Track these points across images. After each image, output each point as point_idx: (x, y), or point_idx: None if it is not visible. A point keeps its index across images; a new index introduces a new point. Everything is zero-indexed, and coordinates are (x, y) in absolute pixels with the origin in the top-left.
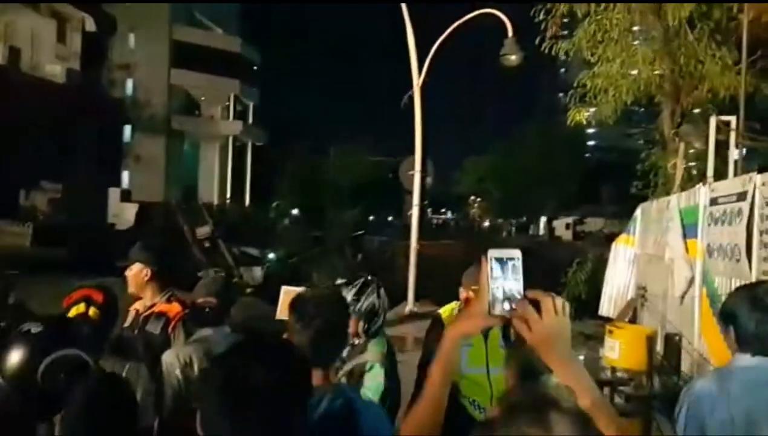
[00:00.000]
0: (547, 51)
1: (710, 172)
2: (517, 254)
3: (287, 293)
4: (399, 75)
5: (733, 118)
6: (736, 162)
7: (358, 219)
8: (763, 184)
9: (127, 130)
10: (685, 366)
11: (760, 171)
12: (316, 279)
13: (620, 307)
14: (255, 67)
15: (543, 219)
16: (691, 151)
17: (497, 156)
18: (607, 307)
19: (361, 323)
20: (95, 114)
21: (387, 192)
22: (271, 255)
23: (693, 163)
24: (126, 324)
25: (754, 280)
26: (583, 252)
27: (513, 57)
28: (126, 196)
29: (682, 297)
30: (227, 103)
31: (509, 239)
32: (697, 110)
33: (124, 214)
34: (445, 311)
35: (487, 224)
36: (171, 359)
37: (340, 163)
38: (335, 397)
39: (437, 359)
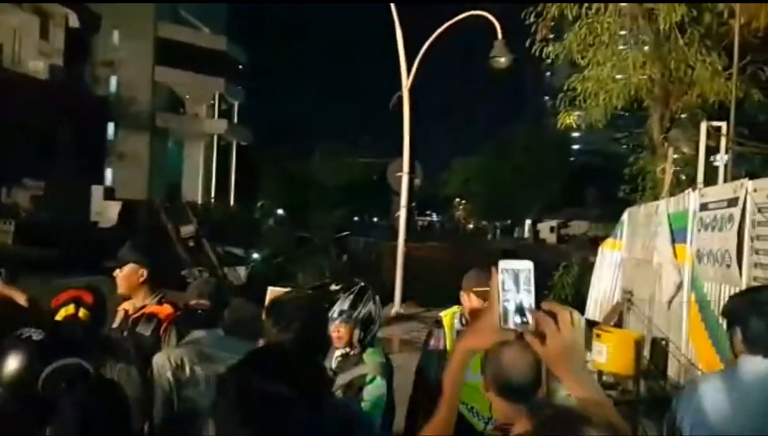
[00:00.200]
0: (534, 54)
1: (700, 177)
2: (528, 265)
3: (273, 293)
4: (389, 76)
5: (723, 124)
6: (726, 167)
7: (343, 220)
8: (755, 190)
9: (111, 127)
10: (671, 371)
11: (749, 177)
12: (301, 279)
13: (606, 311)
14: (240, 66)
15: (528, 222)
16: (678, 156)
17: (483, 158)
18: (593, 310)
19: (357, 332)
20: (78, 111)
21: (373, 193)
22: (256, 255)
23: (680, 168)
24: (114, 325)
25: (744, 286)
26: (568, 255)
27: (502, 59)
28: (109, 194)
29: (670, 302)
30: (212, 102)
31: (494, 242)
32: (684, 115)
33: (107, 213)
34: (446, 315)
35: (471, 226)
36: (162, 361)
37: (327, 163)
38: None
39: (447, 375)
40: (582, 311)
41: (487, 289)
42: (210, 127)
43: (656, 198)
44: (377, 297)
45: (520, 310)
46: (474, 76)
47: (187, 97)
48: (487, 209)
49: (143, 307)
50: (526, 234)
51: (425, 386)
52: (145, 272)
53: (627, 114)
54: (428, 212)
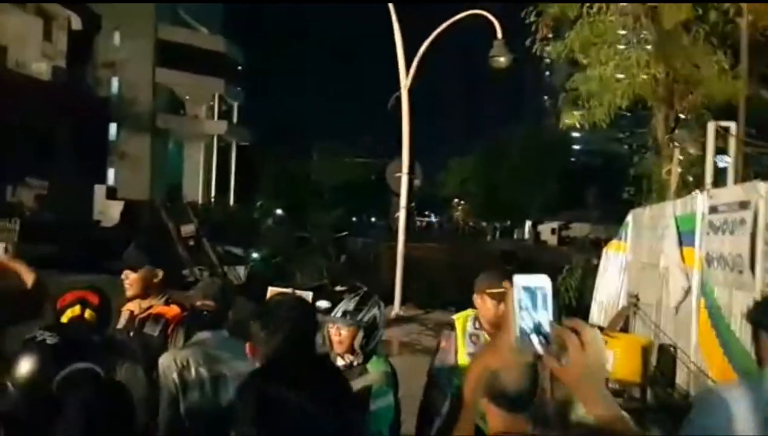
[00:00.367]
0: (533, 53)
1: (708, 179)
2: (546, 281)
3: (273, 293)
4: (389, 75)
5: (732, 124)
6: (736, 169)
7: (342, 220)
8: None
9: (113, 128)
10: (680, 379)
11: (756, 178)
12: (299, 279)
13: (611, 315)
14: (240, 67)
15: (528, 223)
16: (684, 157)
17: (482, 158)
18: (597, 315)
19: (359, 337)
20: (81, 112)
21: (372, 193)
22: (255, 254)
23: (683, 169)
24: (120, 326)
25: (757, 291)
26: (569, 257)
27: (502, 59)
28: (111, 193)
29: (678, 307)
30: (212, 103)
31: (493, 243)
32: (689, 115)
33: (109, 212)
34: (459, 318)
35: (470, 226)
36: (168, 362)
37: (326, 163)
38: None
39: (465, 393)
40: (586, 316)
41: (502, 290)
42: (210, 128)
43: (661, 200)
44: (382, 303)
45: (538, 328)
46: (472, 75)
47: (187, 98)
48: (486, 210)
49: (149, 307)
50: (527, 235)
51: (435, 389)
52: (160, 274)
53: (628, 114)
54: (427, 213)
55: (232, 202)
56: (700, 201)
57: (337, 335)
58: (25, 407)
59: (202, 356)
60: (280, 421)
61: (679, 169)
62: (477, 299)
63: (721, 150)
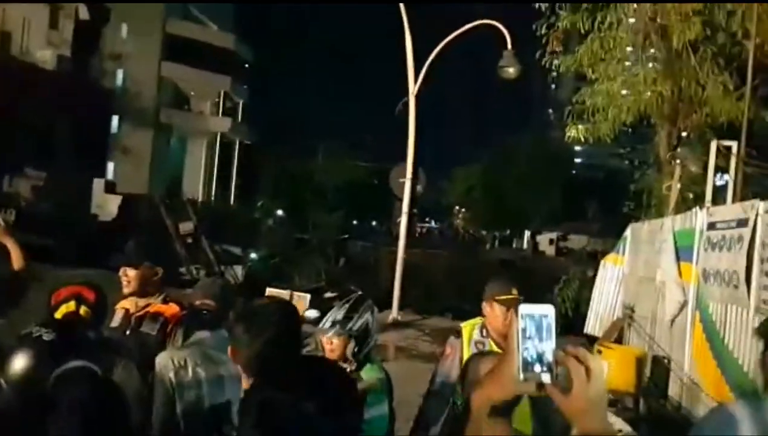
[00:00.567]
0: (541, 66)
1: (708, 196)
2: (550, 309)
3: (270, 295)
4: (394, 79)
5: (734, 144)
6: (735, 188)
7: (342, 223)
8: (766, 211)
9: (115, 120)
10: (672, 391)
11: (756, 198)
12: (297, 281)
13: (607, 326)
14: (247, 65)
15: (527, 233)
16: (683, 174)
17: (485, 167)
18: (593, 325)
19: (351, 345)
20: (83, 103)
21: (373, 197)
22: (253, 254)
23: (683, 186)
24: (114, 324)
25: (752, 308)
26: (566, 268)
27: (511, 69)
28: (110, 187)
29: (673, 320)
30: (217, 100)
31: (492, 251)
32: (692, 134)
33: (107, 206)
34: (466, 326)
35: (471, 234)
36: (165, 362)
37: (328, 165)
38: None
39: (470, 426)
40: (582, 326)
41: (511, 297)
42: (214, 125)
43: (660, 215)
44: (375, 308)
45: (541, 358)
46: (477, 85)
47: (193, 94)
48: (487, 219)
49: (147, 306)
50: (525, 245)
51: (436, 396)
52: (159, 272)
53: (630, 130)
54: (427, 219)
55: (232, 200)
56: (699, 217)
57: (329, 343)
58: (20, 404)
59: (200, 356)
60: (284, 431)
61: (679, 186)
62: (486, 306)
63: (721, 169)
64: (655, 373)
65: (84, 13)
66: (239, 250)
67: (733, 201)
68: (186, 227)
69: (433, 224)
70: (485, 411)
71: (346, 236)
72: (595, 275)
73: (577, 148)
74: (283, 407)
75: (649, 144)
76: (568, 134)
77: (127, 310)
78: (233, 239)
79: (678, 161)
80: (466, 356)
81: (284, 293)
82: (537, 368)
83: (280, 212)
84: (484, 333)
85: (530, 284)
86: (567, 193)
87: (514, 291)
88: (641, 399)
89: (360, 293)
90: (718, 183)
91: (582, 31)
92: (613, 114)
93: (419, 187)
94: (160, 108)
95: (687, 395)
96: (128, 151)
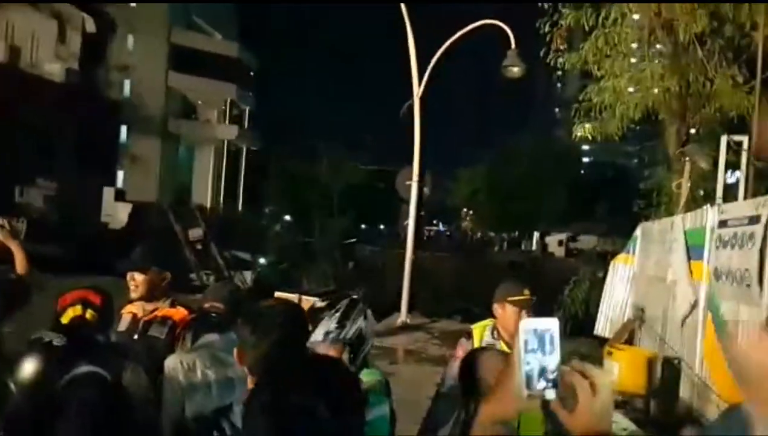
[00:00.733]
0: (546, 64)
1: (719, 193)
2: (554, 324)
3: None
4: (396, 79)
5: (745, 139)
6: (746, 184)
7: (350, 227)
8: None
9: (124, 130)
10: (684, 392)
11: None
12: (305, 285)
13: (617, 327)
14: (252, 73)
15: (536, 234)
16: (693, 172)
17: (491, 168)
18: (603, 326)
19: (346, 353)
20: (92, 114)
21: (380, 201)
22: (262, 260)
23: (693, 184)
24: (122, 328)
25: (764, 307)
26: (576, 269)
27: (515, 69)
28: (120, 196)
29: (684, 321)
30: (223, 108)
31: (501, 253)
32: (702, 129)
33: (117, 214)
34: (477, 327)
35: (479, 236)
36: (174, 364)
37: (335, 170)
38: None
39: None
40: (592, 327)
41: (523, 297)
42: (221, 133)
43: (671, 214)
44: (368, 311)
45: (545, 374)
46: (481, 85)
47: (200, 102)
48: (495, 220)
49: (154, 310)
50: (534, 247)
51: (445, 398)
52: (168, 277)
53: (638, 128)
54: (435, 222)
55: (240, 207)
56: (710, 215)
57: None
58: (30, 408)
59: (209, 359)
60: (288, 431)
61: (690, 184)
62: (497, 308)
63: (732, 164)
64: (665, 374)
65: (91, 26)
66: (248, 255)
67: (745, 197)
68: (195, 233)
69: (441, 226)
70: (490, 428)
71: (354, 240)
72: (605, 276)
73: (585, 147)
74: (286, 406)
75: (657, 141)
76: (575, 133)
77: (134, 314)
78: (242, 244)
79: (687, 158)
80: None
81: (292, 297)
82: (541, 384)
83: (287, 217)
84: (495, 335)
85: (540, 286)
86: (575, 193)
87: (526, 292)
88: (652, 401)
89: (353, 296)
90: (729, 180)
91: (586, 27)
92: (620, 111)
93: (426, 190)
94: (167, 117)
95: (698, 397)
96: (137, 160)
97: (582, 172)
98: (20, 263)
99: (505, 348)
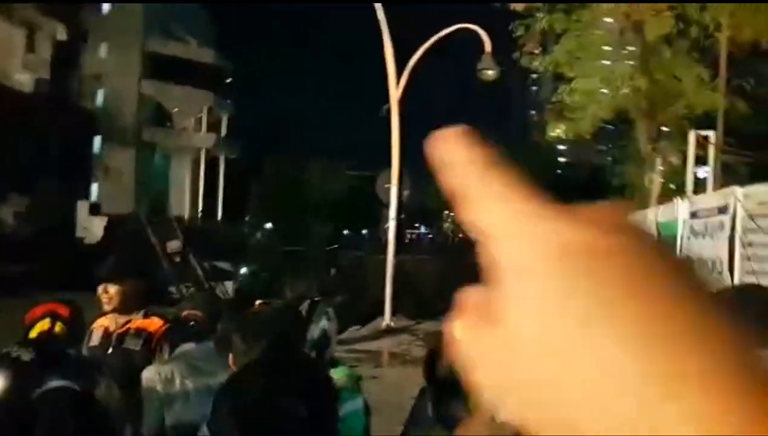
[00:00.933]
0: (520, 67)
1: (690, 185)
2: None
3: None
4: (378, 82)
5: (712, 133)
6: (714, 175)
7: (332, 233)
8: (745, 197)
9: (97, 141)
10: None
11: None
12: (288, 294)
13: None
14: (229, 80)
15: None
16: (664, 167)
17: None
18: None
19: (312, 355)
20: (65, 124)
21: (362, 206)
22: (243, 269)
23: (664, 179)
24: (93, 343)
25: None
26: None
27: (490, 72)
28: (95, 209)
29: None
30: (200, 115)
31: None
32: (670, 126)
33: (92, 228)
34: None
35: (460, 238)
36: (151, 376)
37: (315, 176)
38: None
39: None
40: None
41: None
42: (198, 141)
43: (644, 207)
44: (331, 310)
45: None
46: (458, 87)
47: (176, 110)
48: None
49: (127, 322)
50: None
51: (425, 399)
52: (142, 287)
53: (610, 127)
54: (417, 225)
55: (219, 216)
56: (681, 207)
57: None
58: (0, 426)
59: (186, 368)
60: (255, 425)
61: (661, 179)
62: None
63: (701, 158)
64: None
65: (62, 33)
66: (229, 265)
67: (714, 190)
68: (173, 245)
69: (423, 229)
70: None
71: (336, 246)
72: None
73: (560, 147)
74: (253, 403)
75: (629, 139)
76: (548, 133)
77: (106, 327)
78: (222, 254)
79: (658, 154)
80: None
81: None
82: None
83: (268, 225)
84: None
85: None
86: (554, 193)
87: None
88: None
89: (315, 299)
90: (700, 176)
91: (558, 30)
92: (591, 111)
93: (405, 192)
94: (142, 126)
95: None
96: (112, 171)
97: (559, 171)
98: None
99: None
